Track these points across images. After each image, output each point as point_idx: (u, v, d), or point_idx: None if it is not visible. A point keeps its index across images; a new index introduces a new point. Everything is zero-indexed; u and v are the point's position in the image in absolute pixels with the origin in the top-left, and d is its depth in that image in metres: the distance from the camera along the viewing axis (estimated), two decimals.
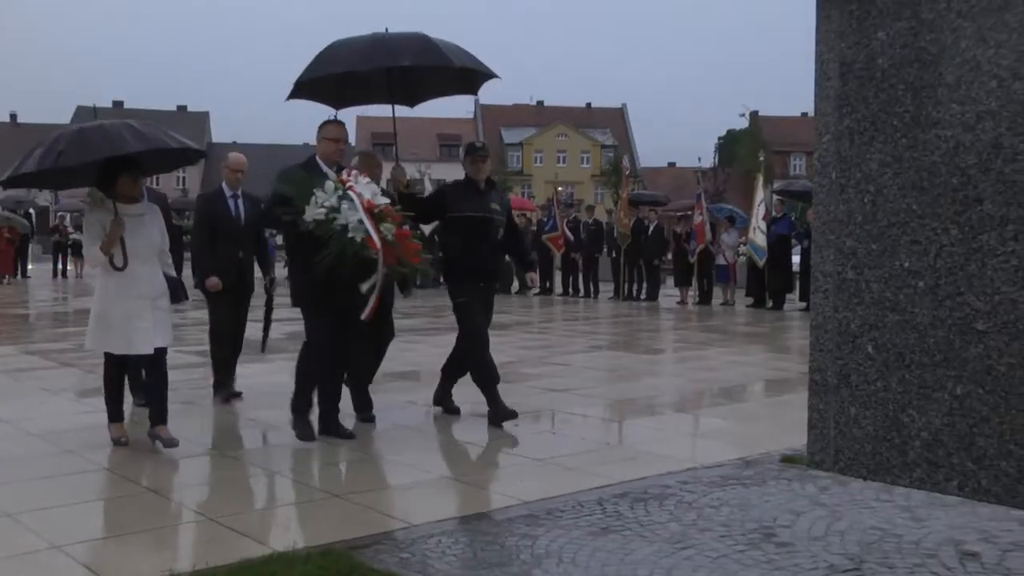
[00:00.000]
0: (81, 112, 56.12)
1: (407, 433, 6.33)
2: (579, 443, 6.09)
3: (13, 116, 70.62)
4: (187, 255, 10.89)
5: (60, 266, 28.56)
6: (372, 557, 3.83)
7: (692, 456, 5.78)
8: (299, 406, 6.19)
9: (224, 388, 7.49)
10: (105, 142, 5.46)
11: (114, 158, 5.52)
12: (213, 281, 7.28)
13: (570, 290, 21.66)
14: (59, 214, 38.12)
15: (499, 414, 6.53)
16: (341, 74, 6.75)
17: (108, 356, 5.88)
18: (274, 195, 6.06)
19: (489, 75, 6.99)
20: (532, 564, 3.78)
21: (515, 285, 21.19)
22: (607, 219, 23.26)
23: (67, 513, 4.47)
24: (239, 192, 7.54)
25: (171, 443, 5.68)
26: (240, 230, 7.44)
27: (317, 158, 6.22)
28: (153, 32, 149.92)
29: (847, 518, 4.37)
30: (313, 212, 5.67)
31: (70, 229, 29.94)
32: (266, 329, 7.62)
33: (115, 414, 5.99)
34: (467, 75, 7.02)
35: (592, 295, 21.05)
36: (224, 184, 7.56)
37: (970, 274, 2.69)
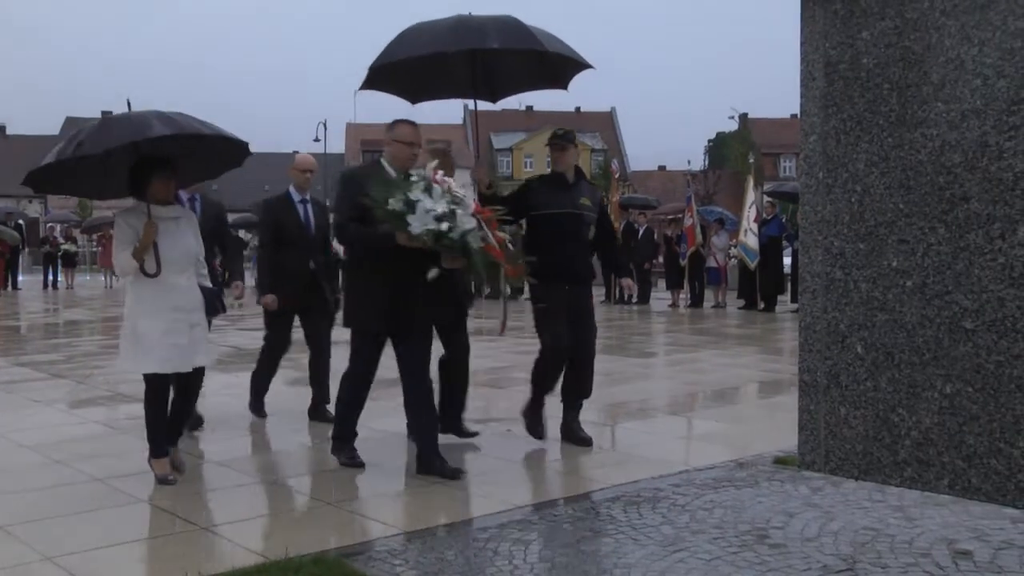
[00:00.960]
0: (70, 123, 55.92)
1: (399, 440, 6.30)
2: (571, 447, 6.08)
3: (2, 128, 70.50)
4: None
5: (51, 277, 28.49)
6: (365, 564, 3.82)
7: (685, 459, 5.77)
8: (342, 434, 5.61)
9: (256, 408, 7.12)
10: (128, 127, 4.96)
11: (142, 159, 5.15)
12: (268, 299, 6.71)
13: None
14: (49, 224, 38.02)
15: (533, 424, 6.22)
16: (424, 57, 5.90)
17: (147, 378, 5.22)
18: (346, 205, 5.25)
19: (584, 65, 6.24)
20: (525, 569, 3.77)
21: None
22: None
23: (59, 524, 4.44)
24: (308, 196, 6.91)
25: (165, 480, 5.18)
26: (311, 238, 6.83)
27: (383, 162, 5.44)
28: (141, 40, 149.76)
29: (840, 519, 4.37)
30: (424, 221, 4.86)
31: (60, 240, 29.87)
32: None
33: (159, 449, 5.23)
34: (558, 64, 6.26)
35: None
36: (292, 188, 6.89)
37: (958, 272, 2.70)
